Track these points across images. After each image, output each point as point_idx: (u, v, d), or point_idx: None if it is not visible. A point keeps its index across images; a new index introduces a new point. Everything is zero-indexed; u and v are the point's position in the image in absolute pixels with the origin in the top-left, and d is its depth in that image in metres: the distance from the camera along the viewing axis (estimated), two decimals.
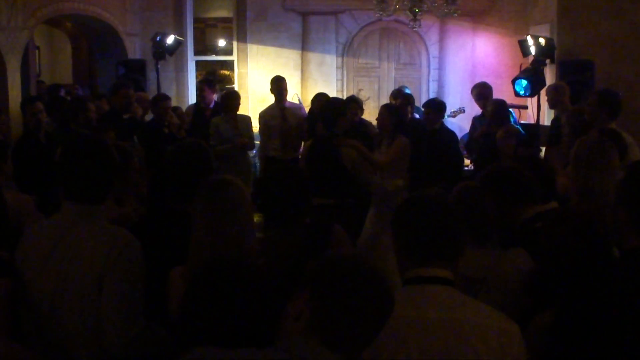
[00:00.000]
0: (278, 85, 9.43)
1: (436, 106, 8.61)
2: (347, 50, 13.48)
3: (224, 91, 10.54)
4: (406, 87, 11.73)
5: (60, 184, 3.09)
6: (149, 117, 9.46)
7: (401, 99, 9.24)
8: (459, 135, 9.47)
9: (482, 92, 9.20)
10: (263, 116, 9.50)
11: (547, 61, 10.29)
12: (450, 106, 10.78)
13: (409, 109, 9.16)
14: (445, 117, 9.11)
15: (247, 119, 9.52)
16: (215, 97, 11.12)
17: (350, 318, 2.05)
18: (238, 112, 9.37)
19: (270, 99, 9.70)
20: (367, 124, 8.91)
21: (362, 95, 11.97)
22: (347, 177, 6.87)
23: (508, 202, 3.67)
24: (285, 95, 9.54)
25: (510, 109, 8.82)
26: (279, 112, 9.31)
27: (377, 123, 7.66)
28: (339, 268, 2.12)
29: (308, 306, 2.06)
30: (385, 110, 7.55)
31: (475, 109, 9.67)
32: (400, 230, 2.62)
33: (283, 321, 2.14)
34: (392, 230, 2.65)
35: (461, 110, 10.96)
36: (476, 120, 9.17)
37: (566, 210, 3.59)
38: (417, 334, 2.39)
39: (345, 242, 3.73)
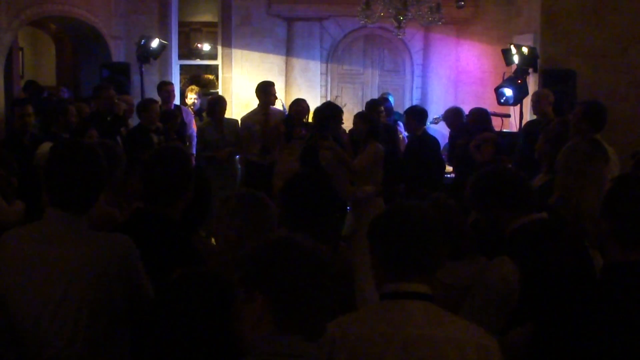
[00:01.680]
0: (266, 90, 9.33)
1: (418, 113, 8.66)
2: (331, 56, 13.52)
3: (210, 96, 10.54)
4: (389, 94, 11.78)
5: (46, 191, 3.06)
6: (132, 120, 9.45)
7: (368, 105, 9.28)
8: (442, 142, 9.52)
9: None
10: (245, 121, 9.45)
11: (530, 70, 10.36)
12: (433, 113, 10.85)
13: (382, 114, 9.21)
14: (428, 124, 9.14)
15: (234, 123, 9.51)
16: (197, 101, 11.12)
17: (312, 302, 2.05)
18: (226, 117, 9.41)
19: (254, 104, 9.68)
20: (341, 131, 8.84)
21: (339, 102, 11.99)
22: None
23: (503, 206, 3.43)
24: (273, 100, 9.51)
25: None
26: (262, 118, 9.28)
27: (353, 131, 7.77)
28: (281, 259, 2.08)
29: (266, 308, 2.04)
30: (358, 119, 7.64)
31: None
32: (377, 243, 2.56)
33: (239, 331, 2.12)
34: (368, 242, 2.59)
35: (443, 118, 11.02)
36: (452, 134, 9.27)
37: (554, 224, 3.47)
38: (394, 350, 2.36)
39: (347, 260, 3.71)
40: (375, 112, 8.80)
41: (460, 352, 2.37)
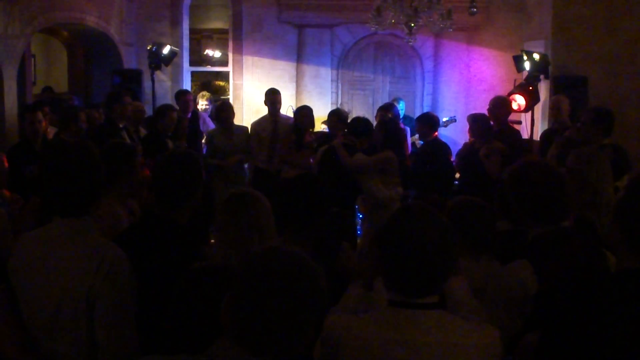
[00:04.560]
0: (272, 98, 9.36)
1: (428, 120, 8.67)
2: (342, 63, 13.53)
3: (218, 102, 10.55)
4: (400, 99, 11.77)
5: (44, 200, 3.07)
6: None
7: (381, 111, 9.33)
8: (453, 148, 9.50)
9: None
10: (255, 127, 9.47)
11: (541, 77, 10.34)
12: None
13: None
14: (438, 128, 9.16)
15: (244, 130, 9.50)
16: (208, 107, 11.17)
17: (270, 321, 1.91)
18: (236, 123, 9.41)
19: (265, 111, 9.70)
20: None
21: (346, 108, 12.02)
22: (353, 185, 7.23)
23: (533, 212, 3.32)
24: (279, 108, 9.52)
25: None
26: (271, 125, 9.30)
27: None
28: (257, 266, 1.97)
29: (226, 309, 1.96)
30: (377, 126, 7.73)
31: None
32: (387, 256, 2.48)
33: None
34: (378, 249, 2.52)
35: (453, 120, 11.03)
36: None
37: (573, 231, 3.37)
38: (401, 357, 2.37)
39: (352, 261, 3.70)
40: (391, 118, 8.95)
41: (465, 356, 2.40)
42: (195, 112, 10.36)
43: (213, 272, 2.43)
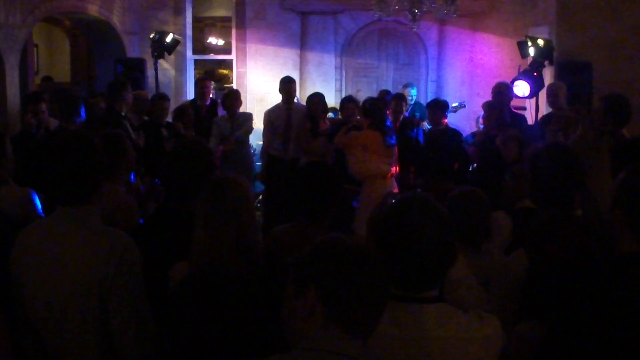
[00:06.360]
0: (288, 86, 9.43)
1: (441, 106, 8.71)
2: (345, 50, 13.48)
3: (225, 90, 10.60)
4: (413, 85, 11.75)
5: (46, 189, 3.04)
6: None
7: (395, 99, 9.40)
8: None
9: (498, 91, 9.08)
10: (268, 115, 9.57)
11: (546, 62, 10.29)
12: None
13: (404, 107, 9.31)
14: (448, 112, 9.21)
15: (246, 117, 9.63)
16: (213, 95, 11.18)
17: (363, 299, 2.04)
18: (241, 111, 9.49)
19: (269, 98, 9.75)
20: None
21: (360, 96, 11.99)
22: None
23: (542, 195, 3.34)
24: (294, 97, 9.57)
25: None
26: (285, 113, 9.34)
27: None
28: (336, 256, 2.07)
29: (319, 301, 2.03)
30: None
31: (476, 107, 9.67)
32: (384, 250, 2.40)
33: (288, 324, 2.11)
34: (375, 242, 2.46)
35: (462, 105, 11.03)
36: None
37: (565, 218, 3.36)
38: (400, 352, 2.35)
39: None
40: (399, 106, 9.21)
41: (466, 349, 2.37)
42: (215, 99, 10.42)
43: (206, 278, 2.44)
